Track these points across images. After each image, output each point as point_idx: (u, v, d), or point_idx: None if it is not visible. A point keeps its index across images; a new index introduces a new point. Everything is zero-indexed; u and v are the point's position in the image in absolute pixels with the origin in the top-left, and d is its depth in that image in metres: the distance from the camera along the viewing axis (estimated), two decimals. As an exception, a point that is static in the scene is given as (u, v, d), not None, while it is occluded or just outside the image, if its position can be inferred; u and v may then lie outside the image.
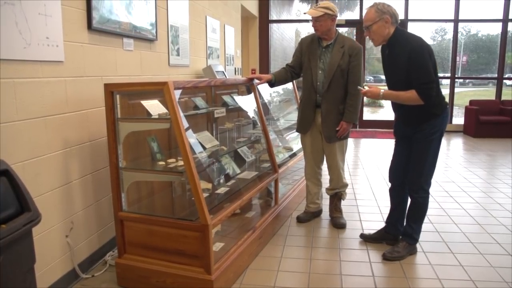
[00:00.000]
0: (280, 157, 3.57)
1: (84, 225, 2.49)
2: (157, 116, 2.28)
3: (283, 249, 2.83)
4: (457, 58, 8.76)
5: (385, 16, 2.47)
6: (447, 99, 2.92)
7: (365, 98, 4.79)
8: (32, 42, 1.98)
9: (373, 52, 11.17)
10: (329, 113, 3.04)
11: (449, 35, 8.65)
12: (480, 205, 3.77)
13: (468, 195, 4.06)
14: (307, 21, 8.58)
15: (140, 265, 2.26)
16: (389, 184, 2.87)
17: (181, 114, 2.14)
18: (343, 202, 3.39)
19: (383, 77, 2.84)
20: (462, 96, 10.74)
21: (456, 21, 8.31)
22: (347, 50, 2.98)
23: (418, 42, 2.44)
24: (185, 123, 2.17)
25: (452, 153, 6.35)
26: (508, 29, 8.25)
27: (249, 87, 3.32)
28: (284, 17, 10.05)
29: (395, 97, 2.56)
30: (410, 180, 2.67)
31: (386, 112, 11.29)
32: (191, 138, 2.34)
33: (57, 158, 2.23)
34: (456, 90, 8.76)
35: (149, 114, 2.28)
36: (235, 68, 6.31)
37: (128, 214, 2.32)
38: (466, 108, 8.17)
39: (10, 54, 1.85)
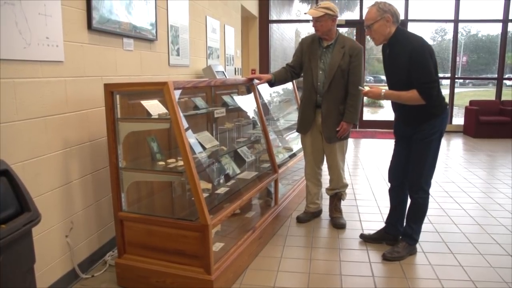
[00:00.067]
0: (280, 157, 3.57)
1: (84, 225, 2.49)
2: (157, 116, 2.28)
3: (283, 249, 2.83)
4: (457, 58, 8.76)
5: (387, 15, 2.47)
6: (447, 100, 2.92)
7: (365, 98, 4.78)
8: (32, 42, 1.98)
9: (373, 52, 11.18)
10: (330, 114, 3.04)
11: (449, 35, 8.66)
12: (480, 205, 3.77)
13: (468, 196, 4.06)
14: (307, 21, 8.60)
15: (140, 265, 2.26)
16: (389, 185, 2.87)
17: (181, 114, 2.14)
18: (343, 202, 3.39)
19: (383, 77, 2.84)
20: (462, 96, 10.74)
21: (456, 21, 8.31)
22: (348, 51, 2.98)
23: (419, 42, 2.44)
24: (185, 123, 2.17)
25: (452, 153, 6.35)
26: (508, 29, 8.25)
27: (249, 87, 3.32)
28: (284, 17, 10.06)
29: (396, 97, 2.56)
30: (410, 181, 2.67)
31: (386, 112, 11.29)
32: (191, 138, 2.34)
33: (57, 158, 2.23)
34: (456, 90, 8.76)
35: (149, 114, 2.28)
36: (235, 68, 6.31)
37: (128, 214, 2.32)
38: (466, 109, 8.17)
39: (10, 54, 1.85)
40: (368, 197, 4.01)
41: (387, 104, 6.99)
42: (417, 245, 2.79)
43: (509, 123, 7.57)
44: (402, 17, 2.56)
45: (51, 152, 2.18)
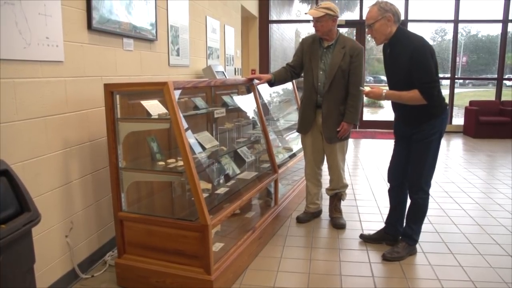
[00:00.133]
0: (280, 157, 3.57)
1: (84, 225, 2.49)
2: (157, 116, 2.28)
3: (282, 250, 2.83)
4: (457, 58, 8.76)
5: (388, 14, 2.47)
6: (447, 100, 2.92)
7: (365, 99, 4.79)
8: (32, 42, 1.98)
9: (373, 52, 11.18)
10: (330, 114, 3.04)
11: (449, 36, 8.66)
12: (480, 205, 3.77)
13: (468, 196, 4.06)
14: (307, 21, 8.61)
15: (140, 265, 2.26)
16: (388, 185, 2.87)
17: (181, 114, 2.14)
18: (343, 203, 3.39)
19: (383, 77, 2.85)
20: (462, 96, 10.75)
21: (456, 21, 8.31)
22: (348, 51, 2.98)
23: (420, 42, 2.44)
24: (185, 123, 2.17)
25: (452, 153, 6.35)
26: (508, 29, 8.25)
27: (249, 87, 3.32)
28: (284, 17, 10.06)
29: (397, 97, 2.55)
30: (410, 181, 2.67)
31: (386, 112, 11.28)
32: (191, 138, 2.34)
33: (57, 158, 2.23)
34: (456, 90, 8.76)
35: (149, 114, 2.28)
36: (235, 69, 6.31)
37: (127, 214, 2.32)
38: (466, 109, 8.17)
39: (10, 54, 1.85)
40: (368, 197, 4.01)
41: (387, 104, 6.99)
42: (417, 245, 2.79)
43: (509, 123, 7.57)
44: (402, 17, 2.56)
45: (51, 152, 2.18)
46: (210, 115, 3.14)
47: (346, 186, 3.30)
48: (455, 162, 5.61)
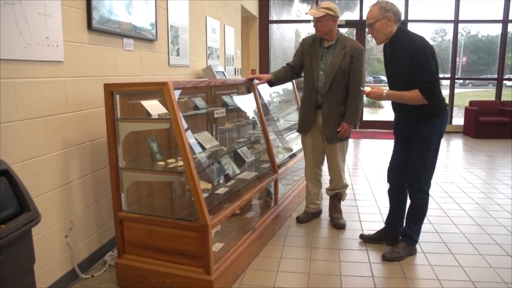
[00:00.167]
0: (279, 157, 3.57)
1: (84, 225, 2.49)
2: (157, 116, 2.28)
3: (282, 250, 2.83)
4: (457, 59, 8.77)
5: (388, 14, 2.47)
6: (447, 100, 2.92)
7: (365, 99, 4.79)
8: (32, 42, 1.98)
9: (373, 52, 11.18)
10: (330, 114, 3.04)
11: (449, 36, 8.66)
12: (480, 206, 3.77)
13: (467, 196, 4.06)
14: (307, 21, 8.61)
15: (140, 265, 2.26)
16: (388, 185, 2.87)
17: (181, 114, 2.14)
18: (342, 203, 3.39)
19: (383, 77, 2.85)
20: (462, 97, 10.75)
21: (456, 21, 8.31)
22: (349, 51, 2.98)
23: (420, 41, 2.44)
24: (184, 124, 2.17)
25: (452, 153, 6.35)
26: (508, 30, 8.25)
27: (249, 87, 3.32)
28: (284, 17, 10.06)
29: (398, 97, 2.55)
30: (410, 182, 2.67)
31: (386, 112, 11.29)
32: (191, 138, 2.34)
33: (57, 158, 2.23)
34: (456, 91, 8.76)
35: (149, 114, 2.28)
36: (235, 69, 6.31)
37: (127, 214, 2.32)
38: (466, 109, 8.18)
39: (10, 54, 1.85)
40: (368, 198, 4.01)
41: (387, 104, 6.99)
42: (417, 246, 2.79)
43: (509, 123, 7.57)
44: (402, 17, 2.56)
45: (51, 152, 2.18)
46: (210, 115, 3.14)
47: (346, 186, 3.30)
48: (455, 162, 5.61)
